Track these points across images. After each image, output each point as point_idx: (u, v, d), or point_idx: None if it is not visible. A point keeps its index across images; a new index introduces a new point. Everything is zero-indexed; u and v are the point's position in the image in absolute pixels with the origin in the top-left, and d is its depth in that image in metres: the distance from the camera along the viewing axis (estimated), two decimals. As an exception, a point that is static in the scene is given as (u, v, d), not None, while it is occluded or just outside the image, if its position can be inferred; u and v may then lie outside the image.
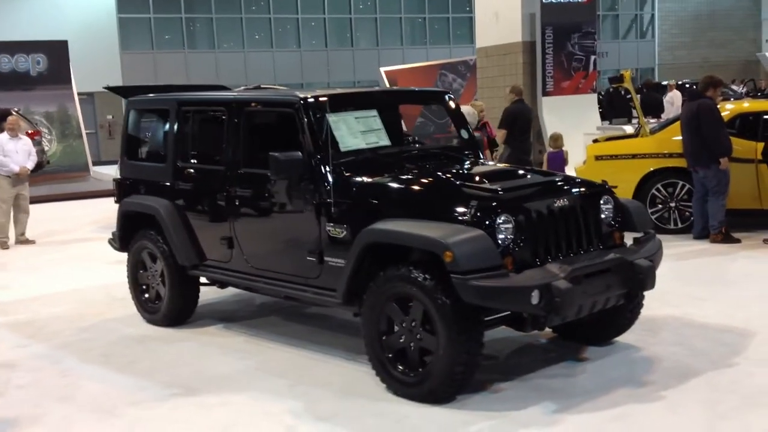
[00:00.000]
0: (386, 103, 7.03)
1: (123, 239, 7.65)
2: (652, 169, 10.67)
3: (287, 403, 5.46)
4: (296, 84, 33.63)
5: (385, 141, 6.35)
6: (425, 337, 5.26)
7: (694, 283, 8.11)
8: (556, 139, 12.17)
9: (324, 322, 7.29)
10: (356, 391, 5.57)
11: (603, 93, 21.57)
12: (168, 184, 7.16)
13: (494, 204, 5.29)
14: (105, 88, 8.80)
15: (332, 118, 6.10)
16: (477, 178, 5.89)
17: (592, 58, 17.63)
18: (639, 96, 17.80)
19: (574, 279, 5.18)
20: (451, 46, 35.96)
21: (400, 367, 5.43)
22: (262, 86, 8.94)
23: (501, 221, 5.20)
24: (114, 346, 6.89)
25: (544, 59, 16.96)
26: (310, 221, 6.00)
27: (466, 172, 6.11)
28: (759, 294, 7.65)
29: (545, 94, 17.16)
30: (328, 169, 5.89)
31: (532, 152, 11.75)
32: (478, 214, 5.20)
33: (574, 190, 5.76)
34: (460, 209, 5.26)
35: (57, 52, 22.35)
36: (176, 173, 7.10)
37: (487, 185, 5.62)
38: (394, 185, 5.86)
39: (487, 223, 5.17)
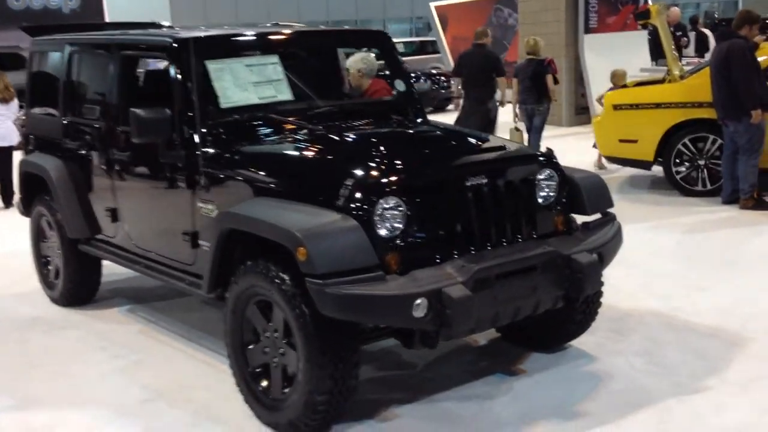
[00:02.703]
0: (304, 48, 5.77)
1: (25, 203, 6.65)
2: (678, 121, 9.17)
3: (125, 427, 4.40)
4: (350, 21, 32.30)
5: (285, 95, 5.11)
6: (288, 353, 4.10)
7: (700, 265, 6.73)
8: (621, 76, 10.78)
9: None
10: (215, 415, 4.46)
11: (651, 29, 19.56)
12: (58, 141, 6.09)
13: (376, 184, 4.06)
14: (20, 27, 7.76)
15: (213, 66, 4.91)
16: (377, 147, 4.61)
17: (644, -12, 15.86)
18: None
19: (479, 282, 3.95)
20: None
21: (263, 385, 4.30)
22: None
23: (385, 207, 3.98)
24: (-9, 330, 5.94)
25: (588, -9, 15.29)
26: (183, 196, 4.88)
27: (371, 138, 4.83)
28: (775, 283, 6.23)
29: (588, 31, 15.52)
30: (200, 130, 4.71)
31: (492, 103, 10.37)
32: (354, 196, 3.97)
33: (498, 162, 4.47)
34: (333, 190, 4.03)
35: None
36: (65, 129, 6.03)
37: (379, 158, 4.37)
38: (270, 154, 4.68)
39: (364, 209, 3.95)
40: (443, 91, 19.08)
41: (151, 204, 5.29)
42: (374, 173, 4.15)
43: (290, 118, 4.94)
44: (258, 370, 4.34)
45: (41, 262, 6.58)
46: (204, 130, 4.72)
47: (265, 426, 4.27)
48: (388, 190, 4.02)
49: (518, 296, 4.14)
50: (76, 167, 5.95)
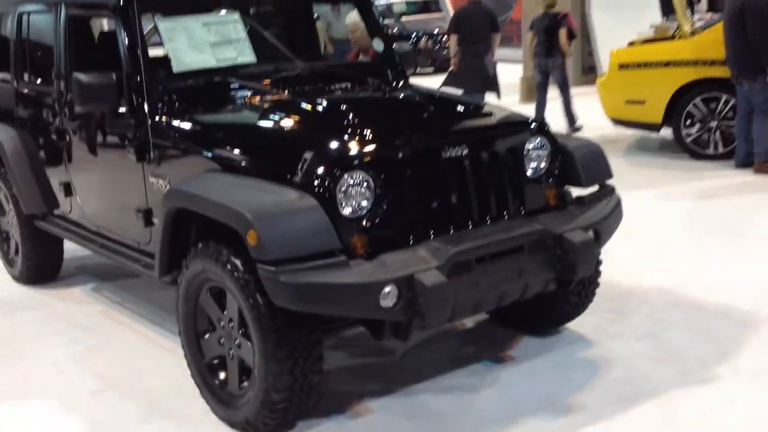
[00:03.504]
0: (271, 3, 5.25)
1: (-15, 175, 6.18)
2: (689, 80, 8.60)
3: (68, 421, 3.97)
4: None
5: (247, 57, 4.61)
6: (244, 345, 3.65)
7: (710, 234, 6.24)
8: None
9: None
10: (169, 409, 4.03)
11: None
12: (11, 110, 5.62)
13: (340, 157, 3.57)
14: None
15: (164, 25, 4.43)
16: (345, 115, 4.10)
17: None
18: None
19: (457, 267, 3.48)
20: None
21: (220, 378, 3.86)
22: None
23: (350, 183, 3.50)
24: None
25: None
26: (134, 170, 4.41)
27: (340, 104, 4.29)
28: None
29: (595, -14, 14.79)
30: (150, 98, 4.23)
31: (488, 59, 9.92)
32: (314, 171, 3.49)
33: (481, 131, 3.98)
34: (292, 164, 3.55)
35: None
36: (18, 97, 5.56)
37: (345, 127, 3.87)
38: (225, 124, 4.20)
39: (325, 185, 3.47)
40: (445, 51, 18.43)
41: (103, 178, 4.83)
42: (338, 144, 3.67)
43: (252, 83, 4.44)
44: (215, 361, 3.89)
45: (1, 237, 6.13)
46: (154, 97, 4.24)
47: (222, 423, 3.82)
48: (353, 163, 3.54)
49: (502, 281, 3.67)
50: (30, 137, 5.48)
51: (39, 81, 5.35)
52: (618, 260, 5.52)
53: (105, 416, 4.02)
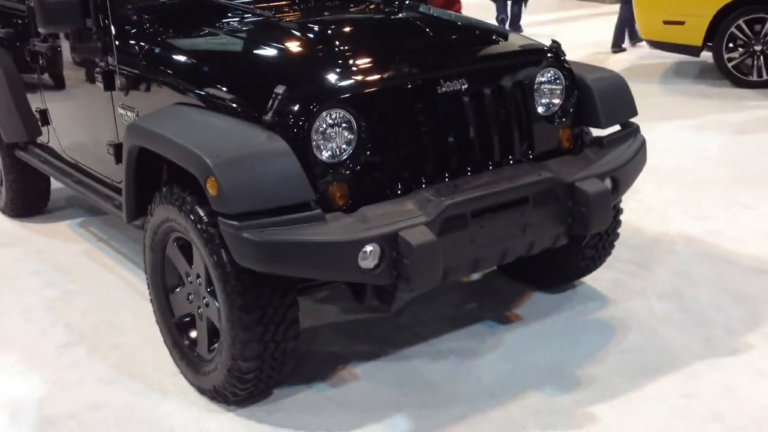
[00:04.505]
0: None
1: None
2: (732, -1, 7.89)
3: (26, 378, 3.64)
4: None
5: (232, -29, 4.10)
6: (211, 304, 3.26)
7: (748, 176, 5.69)
8: None
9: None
10: (137, 370, 3.68)
11: None
12: (-12, 30, 5.16)
13: (316, 90, 3.10)
14: None
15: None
16: (329, 41, 3.59)
17: None
18: None
19: (450, 222, 3.03)
20: None
21: (191, 337, 3.49)
22: None
23: (328, 122, 3.04)
24: None
25: None
26: (102, 99, 3.98)
27: (326, 28, 3.76)
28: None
29: None
30: (116, 17, 3.77)
31: None
32: (287, 108, 3.02)
33: (484, 61, 3.47)
34: (261, 100, 3.08)
35: None
36: (-5, 14, 5.10)
37: (326, 55, 3.38)
38: (197, 50, 3.71)
39: (299, 125, 3.00)
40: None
41: (75, 106, 4.41)
42: (315, 76, 3.19)
43: (233, 3, 3.95)
44: (185, 319, 3.51)
45: (-14, 167, 5.76)
46: (121, 17, 3.78)
47: (190, 389, 3.46)
48: (332, 98, 3.07)
49: (503, 237, 3.22)
50: (10, 60, 5.04)
51: (14, -1, 4.89)
52: (643, 201, 5.05)
53: (68, 374, 3.68)
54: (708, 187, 5.46)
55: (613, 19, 10.29)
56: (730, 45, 8.06)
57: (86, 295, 4.42)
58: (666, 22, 8.40)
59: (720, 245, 4.56)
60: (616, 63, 9.39)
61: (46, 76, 4.64)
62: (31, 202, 5.56)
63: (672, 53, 8.82)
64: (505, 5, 11.92)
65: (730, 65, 8.11)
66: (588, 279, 4.16)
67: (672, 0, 8.31)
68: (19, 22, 4.82)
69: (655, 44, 8.75)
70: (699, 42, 8.18)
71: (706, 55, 8.46)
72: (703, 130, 6.77)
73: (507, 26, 11.57)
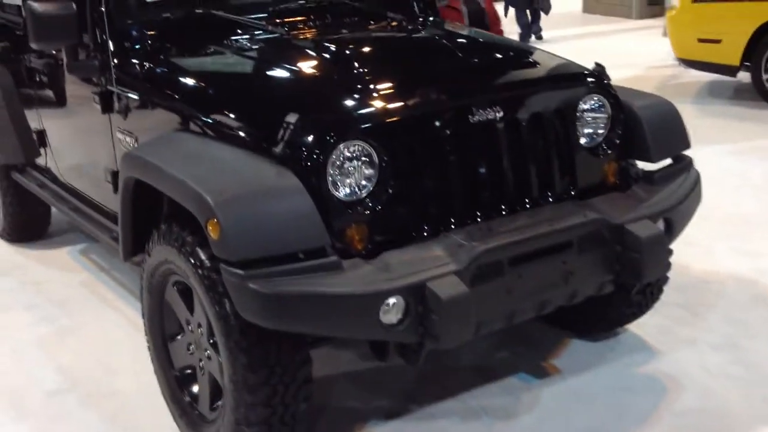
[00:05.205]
0: None
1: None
2: (772, 16, 7.51)
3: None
4: None
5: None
6: (214, 358, 2.89)
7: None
8: None
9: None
10: (134, 421, 3.33)
11: None
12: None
13: (333, 121, 2.73)
14: None
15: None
16: (347, 65, 3.19)
17: None
18: None
19: (484, 270, 2.64)
20: None
21: (191, 394, 3.12)
22: None
23: (345, 156, 2.67)
24: None
25: None
26: (100, 122, 3.64)
27: (343, 50, 3.36)
28: None
29: None
30: (115, 33, 3.43)
31: None
32: (299, 140, 2.66)
33: (522, 87, 3.09)
34: (272, 130, 2.71)
35: None
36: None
37: (344, 81, 3.01)
38: (201, 71, 3.36)
39: (313, 159, 2.63)
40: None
41: (72, 128, 4.10)
42: (332, 103, 2.82)
43: (241, 18, 3.60)
44: (187, 371, 3.15)
45: (-14, 189, 5.43)
46: (120, 32, 3.43)
47: (191, 449, 3.09)
48: (350, 129, 2.70)
49: (544, 287, 2.84)
50: (9, 77, 4.72)
51: (12, 11, 4.56)
52: (685, 238, 4.61)
53: (56, 428, 3.32)
54: (754, 219, 5.06)
55: (642, 34, 9.90)
56: (769, 65, 7.67)
57: (82, 333, 4.08)
58: (701, 41, 8.01)
59: (772, 286, 4.16)
60: (647, 82, 8.99)
61: (43, 94, 4.31)
62: (30, 227, 5.24)
63: (706, 72, 8.41)
64: (524, 14, 11.79)
65: (769, 86, 7.71)
66: (632, 325, 3.76)
67: (708, 17, 7.92)
68: (18, 35, 4.49)
69: (689, 63, 8.35)
70: (736, 61, 7.78)
71: (744, 75, 8.04)
72: (743, 155, 6.37)
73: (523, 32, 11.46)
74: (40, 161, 4.58)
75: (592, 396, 3.31)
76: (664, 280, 3.54)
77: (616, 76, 3.24)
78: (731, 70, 7.97)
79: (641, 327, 3.76)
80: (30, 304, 4.43)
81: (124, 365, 3.74)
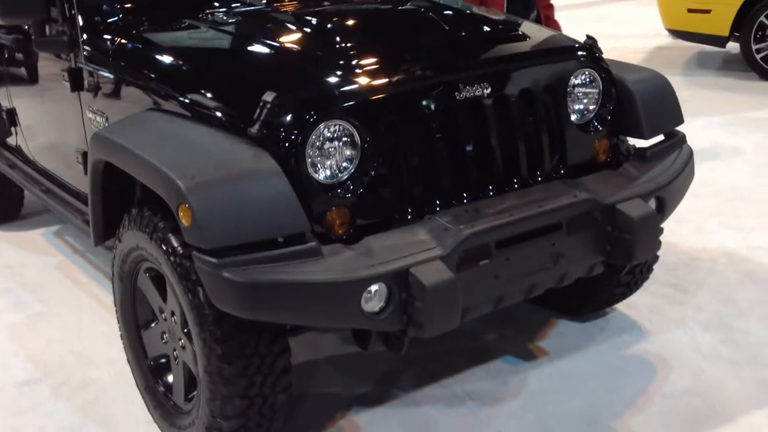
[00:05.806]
0: None
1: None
2: (761, -14, 7.41)
3: None
4: None
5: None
6: (188, 348, 2.77)
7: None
8: None
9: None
10: (107, 415, 3.20)
11: None
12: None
13: (312, 99, 2.59)
14: None
15: None
16: (328, 40, 3.05)
17: None
18: None
19: (470, 255, 2.52)
20: None
21: (165, 384, 3.01)
22: None
23: (325, 136, 2.53)
24: None
25: None
26: (70, 100, 3.49)
27: (325, 24, 3.22)
28: None
29: None
30: (84, 8, 3.28)
31: None
32: (276, 120, 2.52)
33: (511, 62, 2.96)
34: (247, 109, 2.58)
35: None
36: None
37: (324, 57, 2.87)
38: (171, 46, 3.22)
39: (291, 139, 2.49)
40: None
41: (42, 106, 3.94)
42: (311, 80, 2.69)
43: None
44: (161, 360, 3.03)
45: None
46: (90, 6, 3.28)
47: (167, 440, 2.98)
48: (330, 107, 2.56)
49: (532, 270, 2.73)
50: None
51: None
52: (676, 212, 4.53)
53: (27, 420, 3.21)
54: (746, 194, 4.96)
55: (629, 4, 9.76)
56: (759, 35, 7.54)
57: (55, 320, 3.95)
58: (690, 11, 7.88)
59: (765, 264, 4.06)
60: (634, 53, 8.87)
61: (13, 71, 4.15)
62: (3, 209, 5.08)
63: (695, 43, 8.29)
64: None
65: (758, 56, 7.60)
66: (621, 305, 3.67)
67: (697, -12, 7.80)
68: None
69: (678, 34, 8.23)
70: (725, 32, 7.67)
71: (733, 46, 7.93)
72: (733, 127, 6.27)
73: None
74: (11, 141, 4.43)
75: (580, 378, 3.21)
76: (654, 259, 3.43)
77: (601, 47, 3.12)
78: (721, 41, 7.86)
79: (631, 306, 3.67)
80: (1, 289, 4.29)
81: (98, 353, 3.63)
